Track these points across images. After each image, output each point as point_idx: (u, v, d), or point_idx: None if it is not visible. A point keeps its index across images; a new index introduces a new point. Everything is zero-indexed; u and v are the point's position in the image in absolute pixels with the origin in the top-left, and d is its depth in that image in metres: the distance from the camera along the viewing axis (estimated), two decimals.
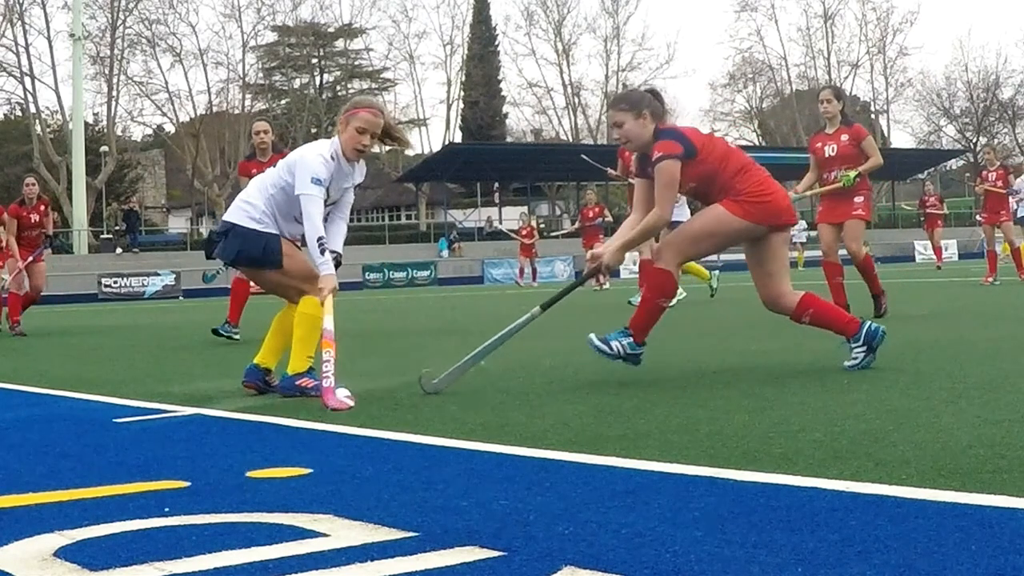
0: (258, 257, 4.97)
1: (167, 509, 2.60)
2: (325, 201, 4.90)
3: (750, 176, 4.92)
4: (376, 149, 60.61)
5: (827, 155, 8.56)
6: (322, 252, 4.81)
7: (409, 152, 59.81)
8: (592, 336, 4.95)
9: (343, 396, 4.46)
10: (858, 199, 8.52)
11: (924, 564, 1.89)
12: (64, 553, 2.21)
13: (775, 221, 4.96)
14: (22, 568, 2.12)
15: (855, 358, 4.93)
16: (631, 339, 4.95)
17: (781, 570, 1.90)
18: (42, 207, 12.06)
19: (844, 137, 8.50)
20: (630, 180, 11.11)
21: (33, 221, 11.89)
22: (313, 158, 4.84)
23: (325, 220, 4.95)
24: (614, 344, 4.92)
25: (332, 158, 4.87)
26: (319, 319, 4.80)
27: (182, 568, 2.06)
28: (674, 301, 12.26)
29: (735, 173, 4.91)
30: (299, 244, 5.15)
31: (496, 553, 2.09)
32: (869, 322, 5.03)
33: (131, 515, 2.53)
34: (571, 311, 11.57)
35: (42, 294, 12.65)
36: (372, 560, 2.07)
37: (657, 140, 4.90)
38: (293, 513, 2.50)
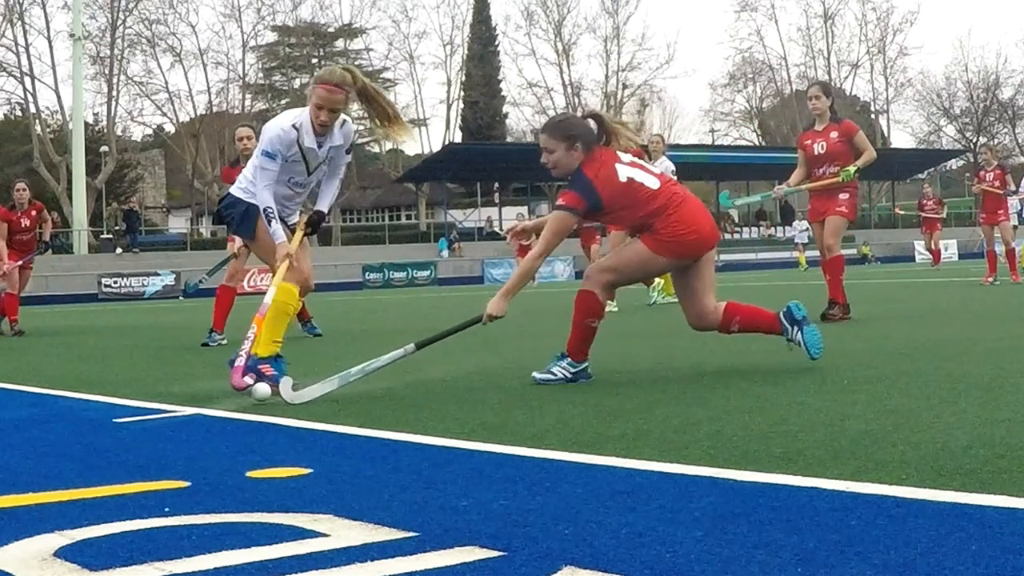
0: (236, 221, 5.25)
1: (167, 509, 2.60)
2: (308, 168, 5.10)
3: (670, 216, 4.90)
4: (376, 149, 60.87)
5: (816, 152, 8.53)
6: (268, 222, 5.04)
7: (409, 152, 59.78)
8: (535, 374, 4.99)
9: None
10: (843, 196, 8.48)
11: (924, 564, 1.89)
12: (64, 553, 2.21)
13: (697, 253, 5.02)
14: (22, 568, 2.12)
15: (802, 342, 5.05)
16: (569, 359, 4.97)
17: (781, 570, 1.90)
18: (33, 212, 11.97)
19: (834, 134, 8.48)
20: None
21: (23, 226, 11.82)
22: (271, 130, 5.03)
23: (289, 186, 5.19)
24: (556, 370, 4.96)
25: (294, 127, 5.00)
26: (287, 306, 5.04)
27: (182, 568, 2.06)
28: (669, 299, 12.31)
29: (655, 214, 4.90)
30: (289, 212, 5.33)
31: (496, 553, 2.09)
32: (780, 310, 5.12)
33: (131, 515, 2.53)
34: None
35: (41, 294, 12.66)
36: (372, 560, 2.07)
37: (571, 184, 4.92)
38: (293, 513, 2.50)
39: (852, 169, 8.34)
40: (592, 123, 5.03)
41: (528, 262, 4.99)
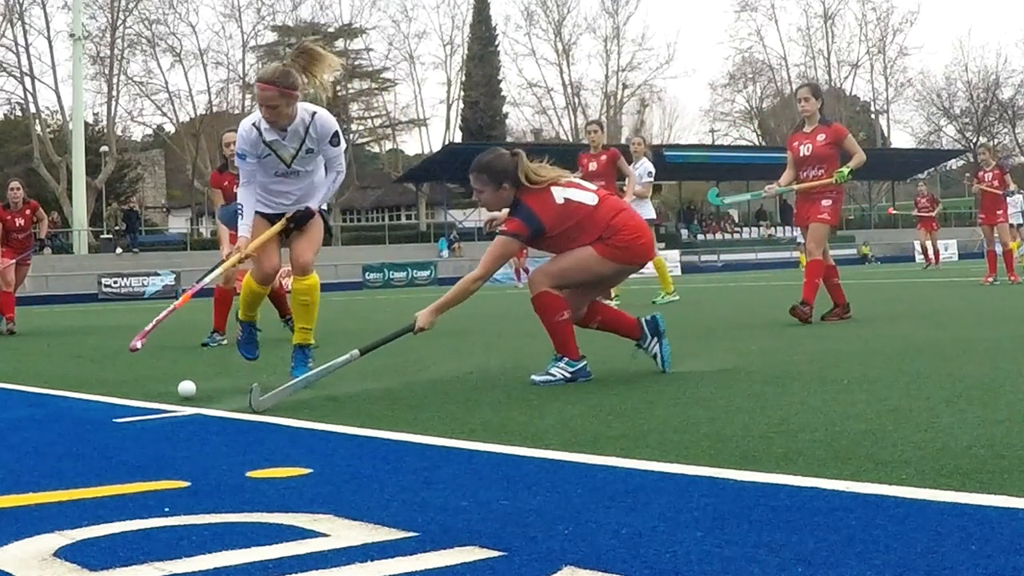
0: (227, 217, 5.66)
1: (167, 509, 2.60)
2: (283, 159, 5.24)
3: (619, 224, 4.99)
4: (376, 149, 60.65)
5: (802, 154, 8.46)
6: (240, 217, 5.36)
7: (409, 152, 59.76)
8: (534, 376, 4.97)
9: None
10: (825, 202, 8.38)
11: (924, 564, 1.89)
12: (64, 553, 2.21)
13: (641, 260, 5.20)
14: (22, 568, 2.12)
15: (658, 353, 5.15)
16: (565, 359, 4.98)
17: (781, 570, 1.90)
18: (28, 211, 11.94)
19: (821, 137, 8.40)
20: None
21: (19, 225, 11.79)
22: (238, 132, 5.30)
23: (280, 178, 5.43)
24: (554, 371, 4.96)
25: (254, 126, 5.20)
26: (252, 292, 5.55)
27: (182, 568, 2.06)
28: (669, 298, 12.41)
29: (601, 226, 4.96)
30: (270, 212, 5.53)
31: (496, 553, 2.09)
32: (644, 318, 5.23)
33: (131, 515, 2.53)
34: None
35: (42, 294, 12.64)
36: (372, 560, 2.07)
37: (513, 212, 4.98)
38: (293, 513, 2.50)
39: (845, 171, 8.28)
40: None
41: (466, 283, 4.97)
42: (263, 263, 5.46)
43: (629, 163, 12.19)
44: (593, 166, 11.64)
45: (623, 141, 51.07)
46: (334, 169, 5.40)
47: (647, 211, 12.16)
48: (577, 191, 5.03)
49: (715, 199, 10.45)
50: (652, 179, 12.43)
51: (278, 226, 5.42)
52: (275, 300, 9.10)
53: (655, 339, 5.18)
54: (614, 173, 11.68)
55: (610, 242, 4.97)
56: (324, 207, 5.59)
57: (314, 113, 5.21)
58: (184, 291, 5.69)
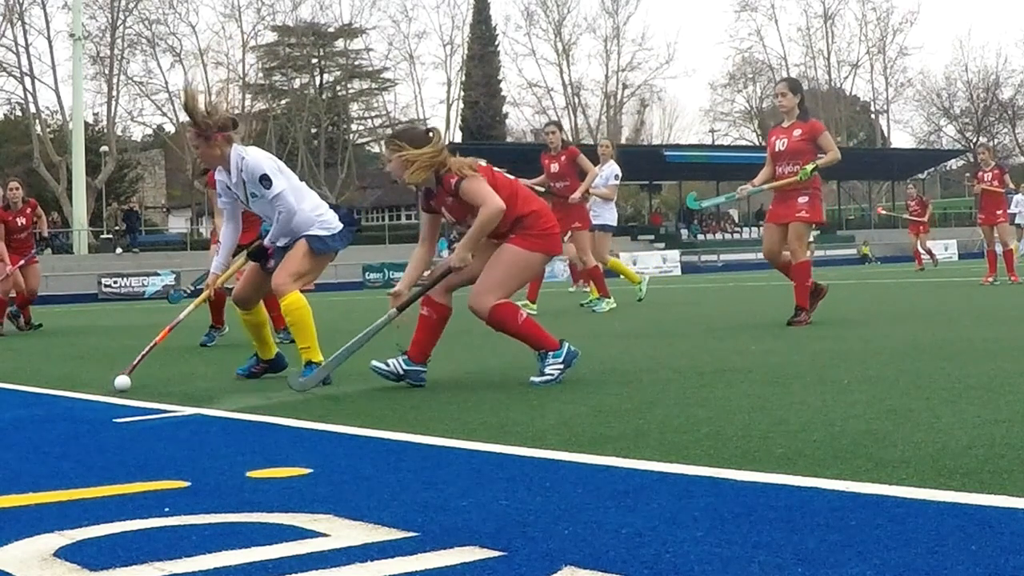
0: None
1: (167, 509, 2.60)
2: (250, 199, 5.41)
3: (536, 211, 5.06)
4: (376, 149, 60.64)
5: (777, 149, 8.31)
6: (214, 259, 5.73)
7: None
8: (533, 379, 4.92)
9: (122, 380, 5.31)
10: (802, 199, 8.20)
11: (924, 564, 1.89)
12: (64, 553, 2.21)
13: (558, 251, 5.37)
14: (22, 568, 2.12)
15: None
16: (550, 352, 4.95)
17: (781, 570, 1.90)
18: (28, 210, 11.87)
19: (797, 132, 8.24)
20: (553, 186, 11.31)
21: (20, 224, 11.71)
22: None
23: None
24: (549, 370, 4.92)
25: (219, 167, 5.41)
26: (239, 318, 5.73)
27: (182, 568, 2.06)
28: (644, 287, 12.42)
29: (523, 207, 5.01)
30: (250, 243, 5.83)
31: (496, 553, 2.09)
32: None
33: (131, 515, 2.54)
34: (571, 314, 11.58)
35: (42, 294, 12.57)
36: (372, 560, 2.07)
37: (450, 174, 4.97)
38: (293, 513, 2.50)
39: (809, 168, 8.08)
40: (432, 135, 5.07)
41: (485, 213, 4.86)
42: (237, 288, 5.73)
43: (596, 165, 12.13)
44: (555, 167, 11.57)
45: (623, 141, 51.07)
46: (280, 212, 5.34)
47: (610, 215, 12.17)
48: (496, 168, 5.15)
49: (693, 203, 10.46)
50: (618, 182, 12.40)
51: (240, 260, 5.82)
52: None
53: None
54: (576, 172, 11.59)
55: (533, 231, 5.01)
56: (319, 232, 5.51)
57: (243, 157, 5.26)
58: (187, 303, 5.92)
